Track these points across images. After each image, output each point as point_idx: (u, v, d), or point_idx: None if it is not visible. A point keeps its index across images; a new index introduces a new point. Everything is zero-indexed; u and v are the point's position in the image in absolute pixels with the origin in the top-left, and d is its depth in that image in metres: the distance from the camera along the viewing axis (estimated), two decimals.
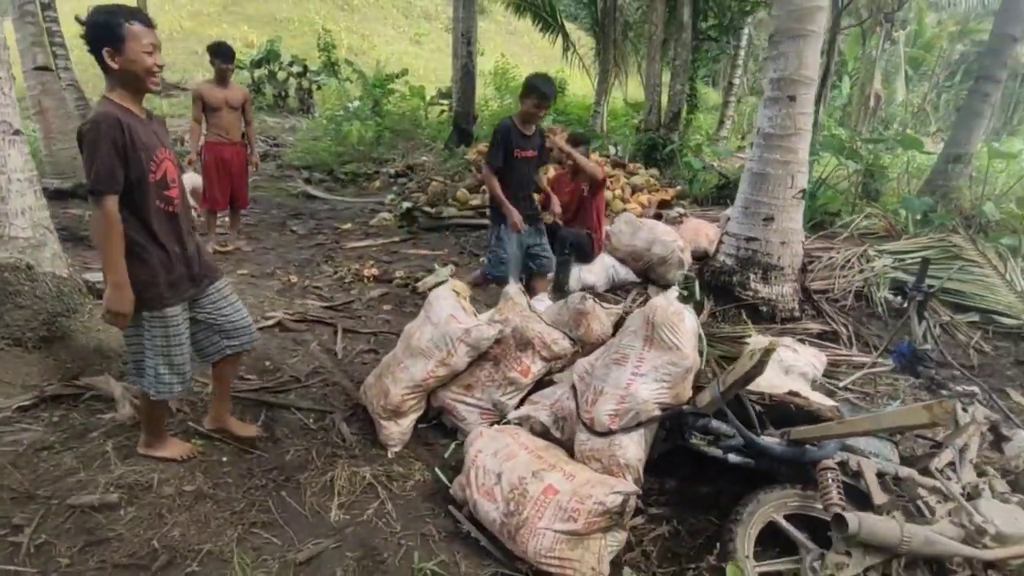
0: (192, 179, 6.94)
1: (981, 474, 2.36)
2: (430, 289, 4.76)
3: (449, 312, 2.88)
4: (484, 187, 7.49)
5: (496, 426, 2.65)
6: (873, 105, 19.40)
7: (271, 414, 3.03)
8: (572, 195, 4.76)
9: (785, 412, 2.46)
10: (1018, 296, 4.63)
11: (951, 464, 2.30)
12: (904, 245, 5.44)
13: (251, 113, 5.41)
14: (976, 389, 2.76)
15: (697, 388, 2.43)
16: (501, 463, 2.33)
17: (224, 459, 2.66)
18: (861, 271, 4.96)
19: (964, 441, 2.37)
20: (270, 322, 4.00)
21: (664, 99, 10.27)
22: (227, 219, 5.80)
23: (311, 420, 3.01)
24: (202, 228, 5.47)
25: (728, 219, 4.82)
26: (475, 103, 11.46)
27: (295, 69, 15.02)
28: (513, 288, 3.10)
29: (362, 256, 5.69)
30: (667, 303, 2.35)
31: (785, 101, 3.87)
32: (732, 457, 2.35)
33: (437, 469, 2.67)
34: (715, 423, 2.30)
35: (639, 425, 2.28)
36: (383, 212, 7.13)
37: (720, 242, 4.46)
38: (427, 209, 6.90)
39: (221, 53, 5.02)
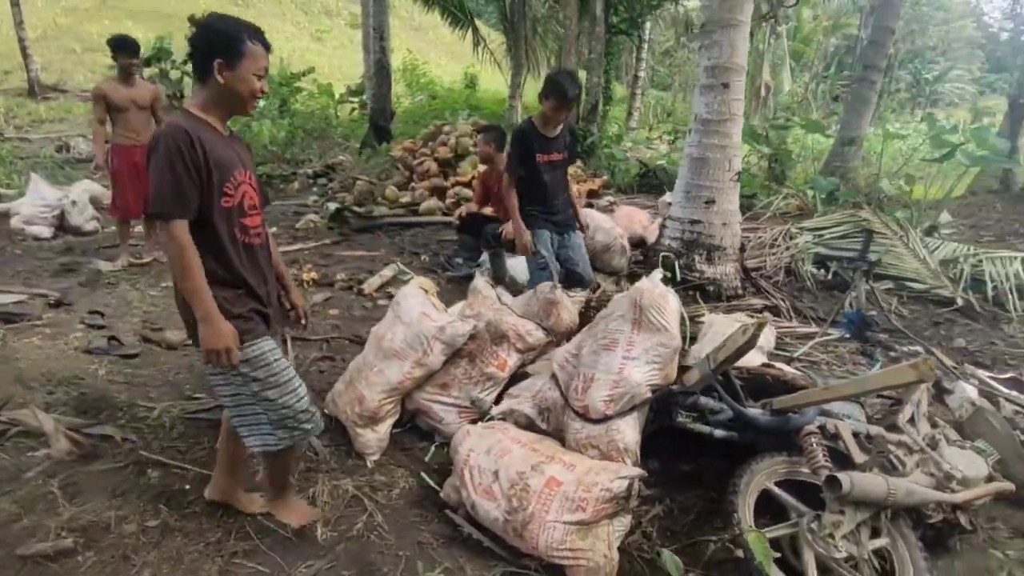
0: (89, 187, 6.34)
1: (934, 425, 2.57)
2: (376, 291, 4.62)
3: (420, 310, 2.78)
4: (413, 185, 7.35)
5: (481, 423, 2.59)
6: (764, 95, 20.80)
7: None
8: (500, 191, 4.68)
9: (760, 384, 2.56)
10: (922, 263, 5.10)
11: (911, 420, 2.48)
12: (820, 222, 5.85)
13: (161, 111, 4.99)
14: (920, 348, 3.02)
15: (681, 368, 2.48)
16: (496, 460, 2.27)
17: (187, 487, 2.43)
18: (787, 248, 5.30)
19: (919, 396, 2.57)
20: None
21: (582, 92, 10.47)
22: (140, 228, 5.33)
23: None
24: (113, 239, 4.99)
25: (667, 204, 4.98)
26: (391, 99, 11.18)
27: (190, 68, 14.01)
28: (480, 281, 3.04)
29: (295, 260, 5.39)
30: (653, 285, 2.38)
31: (720, 88, 4.04)
32: (717, 432, 2.42)
33: (423, 474, 2.58)
34: (703, 400, 2.36)
35: (633, 409, 2.30)
36: (309, 214, 6.80)
37: (663, 226, 4.59)
38: (357, 209, 6.65)
39: (125, 47, 4.57)
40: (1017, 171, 8.87)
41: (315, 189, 8.73)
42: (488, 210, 4.99)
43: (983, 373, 2.95)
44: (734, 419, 2.36)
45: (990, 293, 4.71)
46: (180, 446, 2.69)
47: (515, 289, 4.03)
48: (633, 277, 4.82)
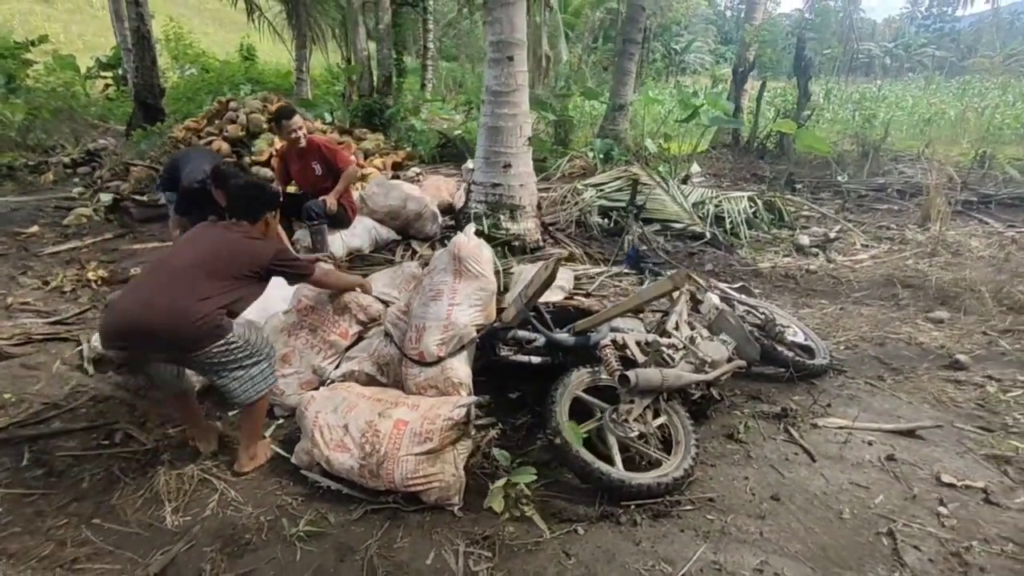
0: None
1: (692, 327, 3.28)
2: None
3: None
4: None
5: (323, 388, 2.72)
6: (545, 66, 22.31)
7: (37, 447, 2.57)
8: (309, 173, 4.67)
9: (564, 315, 3.04)
10: (680, 207, 6.15)
11: (676, 326, 3.15)
12: (601, 179, 6.68)
13: None
14: (682, 271, 3.76)
15: (499, 309, 2.85)
16: (344, 416, 2.44)
17: None
18: (576, 203, 6.00)
19: (680, 307, 3.25)
20: None
21: (373, 65, 10.39)
22: None
23: (95, 441, 2.64)
24: None
25: (470, 171, 5.34)
26: (158, 73, 9.98)
27: None
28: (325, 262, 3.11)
29: (71, 261, 4.79)
30: (468, 239, 2.69)
31: (505, 61, 4.43)
32: (534, 359, 2.84)
33: (273, 446, 2.64)
34: (520, 333, 2.76)
35: (462, 348, 2.61)
36: (78, 208, 5.98)
37: (469, 191, 4.94)
38: (139, 198, 6.01)
39: None
40: (741, 129, 10.84)
41: (76, 180, 7.63)
42: (292, 188, 4.91)
43: (723, 285, 3.79)
44: (547, 345, 2.79)
45: (728, 226, 5.87)
46: None
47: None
48: (447, 241, 5.15)
